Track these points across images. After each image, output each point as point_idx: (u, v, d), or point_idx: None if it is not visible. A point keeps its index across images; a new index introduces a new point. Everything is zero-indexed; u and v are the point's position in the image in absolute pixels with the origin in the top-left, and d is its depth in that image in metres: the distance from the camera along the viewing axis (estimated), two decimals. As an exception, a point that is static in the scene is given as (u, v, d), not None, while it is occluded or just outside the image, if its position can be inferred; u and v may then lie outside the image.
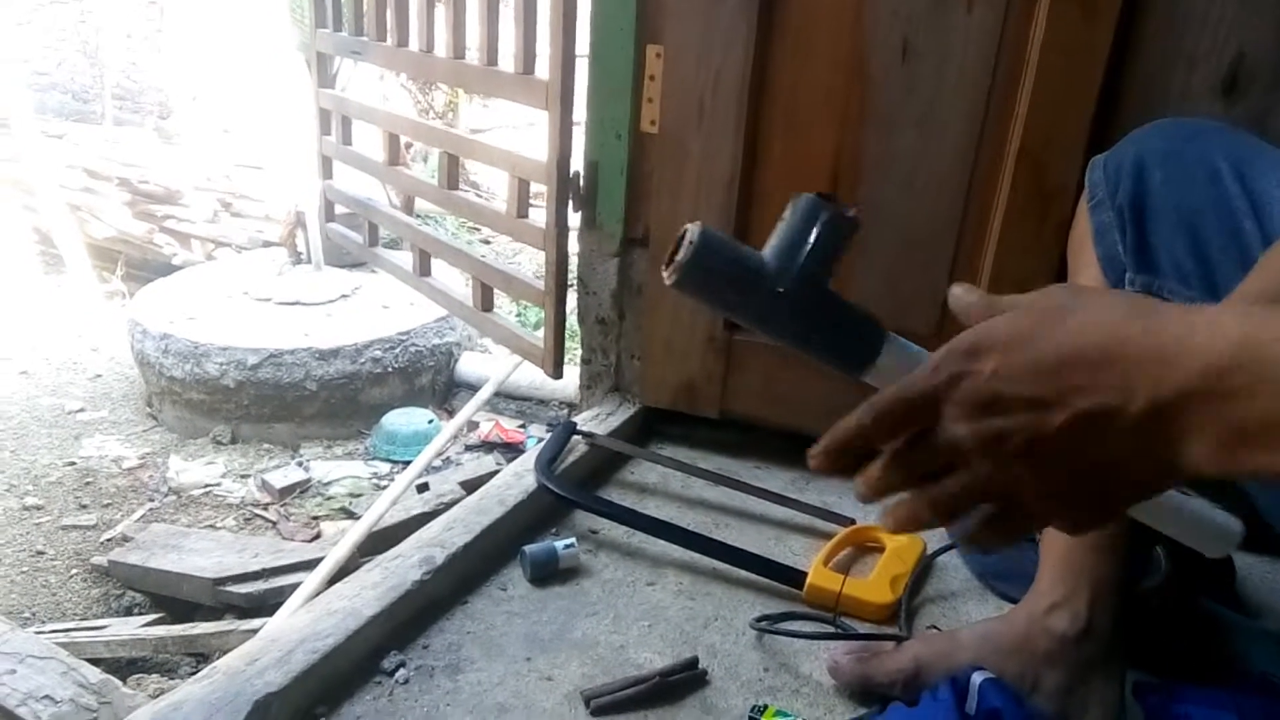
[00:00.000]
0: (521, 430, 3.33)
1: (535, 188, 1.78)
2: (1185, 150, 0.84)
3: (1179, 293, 0.80)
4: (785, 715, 0.92)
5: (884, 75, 1.27)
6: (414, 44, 2.03)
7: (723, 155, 1.35)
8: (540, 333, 1.74)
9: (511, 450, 3.17)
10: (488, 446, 3.25)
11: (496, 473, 1.54)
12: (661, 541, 1.21)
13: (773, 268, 0.56)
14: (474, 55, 1.80)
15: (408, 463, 2.90)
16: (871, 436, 0.47)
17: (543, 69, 1.57)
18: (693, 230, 0.55)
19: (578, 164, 1.51)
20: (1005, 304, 0.48)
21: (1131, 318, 0.42)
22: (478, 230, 5.48)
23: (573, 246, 1.60)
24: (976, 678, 0.87)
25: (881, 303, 1.35)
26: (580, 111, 1.50)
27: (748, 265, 0.56)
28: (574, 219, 1.56)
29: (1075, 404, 0.41)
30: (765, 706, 0.93)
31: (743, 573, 1.16)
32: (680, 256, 0.55)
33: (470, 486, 2.64)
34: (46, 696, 1.76)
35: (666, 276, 0.56)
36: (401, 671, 0.97)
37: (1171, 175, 0.83)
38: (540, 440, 1.60)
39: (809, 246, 0.56)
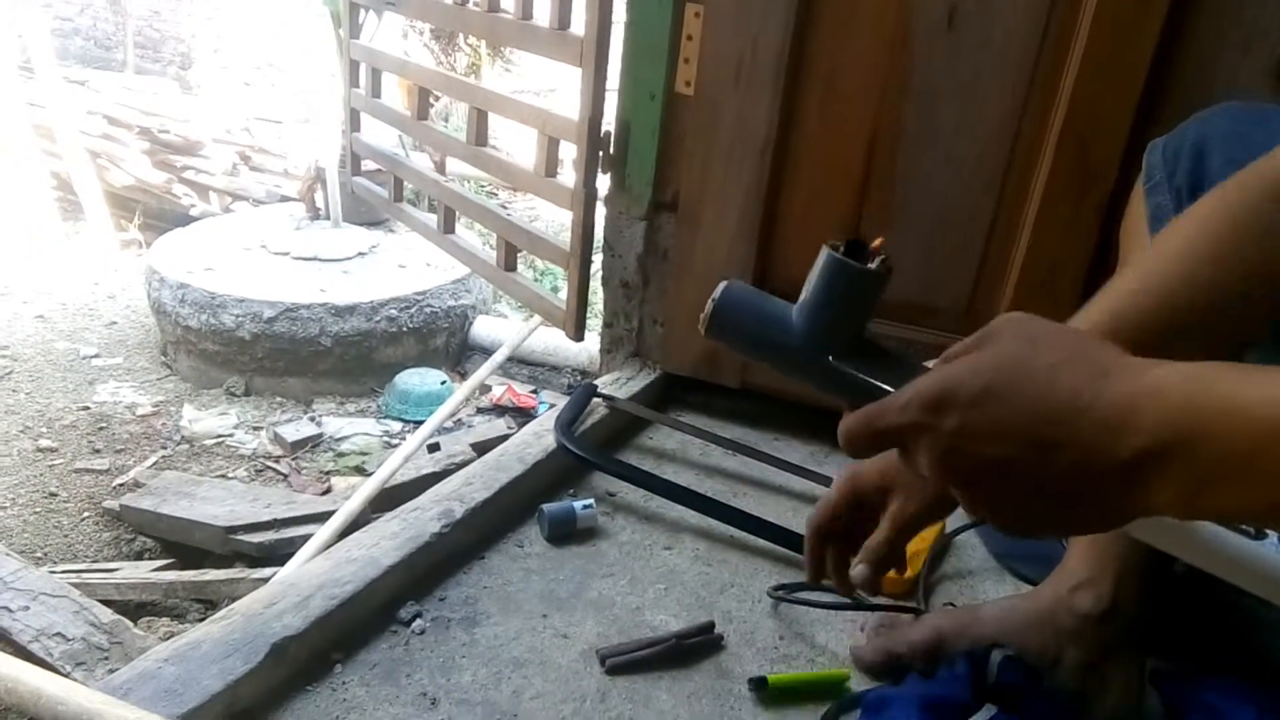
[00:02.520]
0: (534, 395, 3.32)
1: (562, 154, 1.76)
2: (1250, 134, 0.80)
3: None
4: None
5: (927, 42, 1.24)
6: (447, -4, 2.00)
7: (758, 120, 1.33)
8: (562, 295, 1.73)
9: (523, 415, 3.16)
10: (499, 410, 3.24)
11: (508, 436, 1.54)
12: (679, 507, 1.20)
13: (797, 327, 0.59)
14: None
15: (419, 422, 2.89)
16: (852, 444, 0.52)
17: (578, 25, 1.54)
18: (719, 289, 0.61)
19: (609, 125, 1.49)
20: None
21: (1092, 378, 0.45)
22: (494, 195, 5.46)
23: (599, 210, 1.58)
24: (996, 655, 0.86)
25: (914, 277, 1.33)
26: (614, 73, 1.48)
27: (769, 324, 0.60)
28: (602, 181, 1.54)
29: (1044, 456, 0.45)
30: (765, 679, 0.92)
31: (760, 541, 1.16)
32: (706, 311, 0.60)
33: (481, 448, 2.63)
34: (58, 634, 1.78)
35: (700, 324, 0.62)
36: (418, 622, 0.97)
37: (1233, 158, 0.80)
38: (552, 406, 1.59)
39: (831, 309, 0.58)
